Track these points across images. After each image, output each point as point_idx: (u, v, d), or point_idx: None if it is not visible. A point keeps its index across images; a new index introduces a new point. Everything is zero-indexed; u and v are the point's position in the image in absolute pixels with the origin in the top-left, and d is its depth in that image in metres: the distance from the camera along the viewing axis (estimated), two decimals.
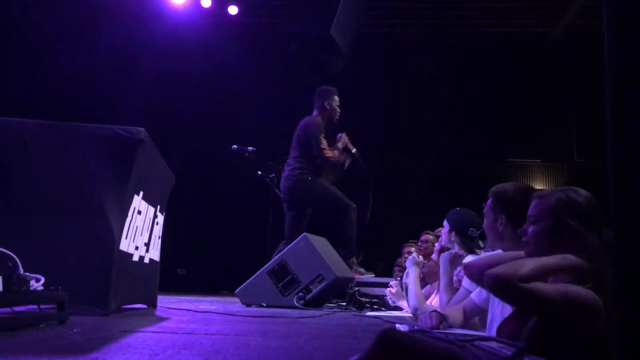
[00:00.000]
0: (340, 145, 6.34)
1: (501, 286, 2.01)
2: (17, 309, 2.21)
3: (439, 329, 2.67)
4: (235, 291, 5.16)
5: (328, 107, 6.32)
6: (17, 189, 2.93)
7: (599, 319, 1.94)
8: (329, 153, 6.12)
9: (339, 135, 6.43)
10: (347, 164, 6.48)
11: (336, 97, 6.39)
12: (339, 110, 6.40)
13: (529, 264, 2.04)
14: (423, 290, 4.21)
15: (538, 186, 10.31)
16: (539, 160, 11.38)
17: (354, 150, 6.46)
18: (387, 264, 7.29)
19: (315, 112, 6.45)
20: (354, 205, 6.23)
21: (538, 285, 2.00)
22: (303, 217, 6.28)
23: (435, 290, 4.26)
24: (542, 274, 2.06)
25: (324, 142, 6.11)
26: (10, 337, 1.83)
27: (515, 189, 2.84)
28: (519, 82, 10.44)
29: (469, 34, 10.45)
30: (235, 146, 7.13)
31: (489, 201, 2.91)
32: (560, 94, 10.68)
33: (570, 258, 2.10)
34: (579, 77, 10.29)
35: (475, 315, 3.11)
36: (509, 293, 2.02)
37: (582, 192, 2.25)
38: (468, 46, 10.39)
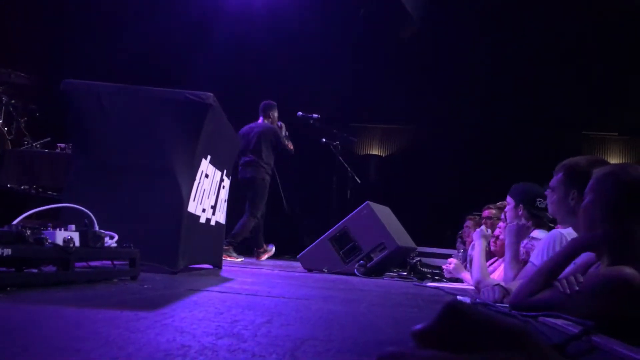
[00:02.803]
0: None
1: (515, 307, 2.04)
2: (92, 263, 2.33)
3: (502, 303, 2.62)
4: (298, 256, 5.24)
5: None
6: (95, 150, 3.07)
7: None
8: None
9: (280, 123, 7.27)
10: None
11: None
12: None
13: (535, 275, 2.06)
14: (494, 265, 4.14)
15: (614, 161, 9.83)
16: (616, 134, 10.82)
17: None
18: (453, 233, 7.19)
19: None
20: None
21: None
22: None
23: (498, 261, 4.18)
24: (552, 272, 2.06)
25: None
26: (87, 289, 1.94)
27: (589, 162, 2.70)
28: (597, 51, 9.87)
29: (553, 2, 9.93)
30: (300, 113, 7.17)
31: (560, 175, 2.78)
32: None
33: (579, 239, 2.06)
34: None
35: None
36: (522, 308, 2.05)
37: None
38: (548, 13, 9.88)
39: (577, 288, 1.96)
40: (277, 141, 7.00)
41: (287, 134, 7.26)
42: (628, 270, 1.84)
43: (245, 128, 7.02)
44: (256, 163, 6.88)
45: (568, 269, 2.59)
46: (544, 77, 10.05)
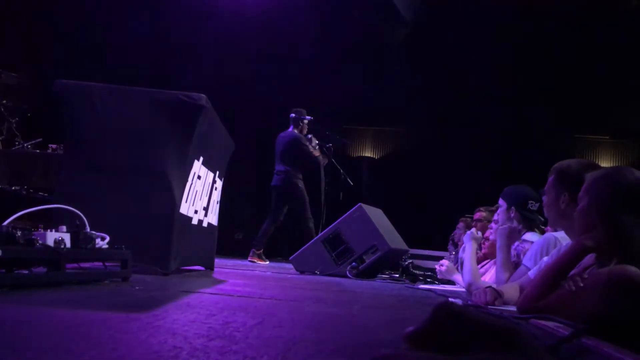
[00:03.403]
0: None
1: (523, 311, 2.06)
2: (83, 265, 2.32)
3: (493, 305, 2.63)
4: (290, 258, 5.24)
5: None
6: (87, 150, 3.05)
7: None
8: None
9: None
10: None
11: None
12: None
13: (540, 279, 2.07)
14: (485, 267, 4.14)
15: (605, 164, 9.89)
16: (608, 137, 10.89)
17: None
18: (442, 237, 7.22)
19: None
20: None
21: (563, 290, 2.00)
22: None
23: (489, 264, 4.19)
24: (558, 275, 2.07)
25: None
26: (78, 291, 1.93)
27: (580, 165, 2.71)
28: (591, 55, 9.93)
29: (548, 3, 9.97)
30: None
31: (551, 178, 2.80)
32: (634, 69, 10.11)
33: (582, 241, 2.07)
34: None
35: None
36: (530, 311, 2.05)
37: (637, 173, 2.09)
38: (541, 15, 9.93)
39: (581, 284, 1.97)
40: (299, 151, 7.03)
41: (317, 143, 7.25)
42: (632, 269, 1.86)
43: (279, 136, 7.24)
44: (285, 171, 7.04)
45: None
46: (535, 80, 10.11)
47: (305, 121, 7.19)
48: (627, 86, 10.09)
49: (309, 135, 7.24)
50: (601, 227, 2.07)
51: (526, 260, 3.07)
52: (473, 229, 3.93)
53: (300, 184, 7.06)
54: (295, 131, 7.14)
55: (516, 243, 3.34)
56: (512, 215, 3.59)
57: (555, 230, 3.06)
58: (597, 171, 2.22)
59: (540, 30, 9.81)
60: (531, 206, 3.52)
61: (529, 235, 3.44)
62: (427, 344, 0.42)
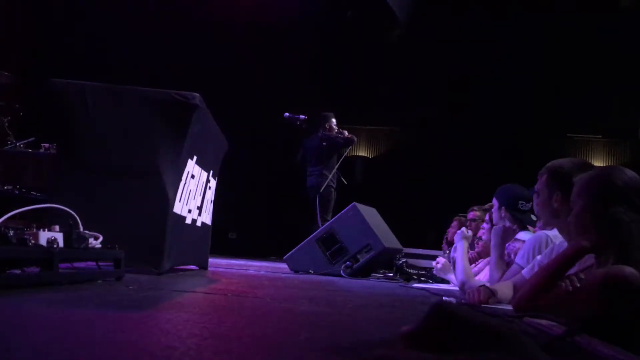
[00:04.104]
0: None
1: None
2: (76, 264, 2.31)
3: (487, 304, 2.63)
4: (284, 257, 5.23)
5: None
6: (80, 149, 3.03)
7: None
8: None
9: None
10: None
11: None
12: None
13: (536, 278, 2.08)
14: (479, 266, 4.16)
15: (597, 163, 9.94)
16: (600, 136, 10.94)
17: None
18: (435, 236, 7.23)
19: None
20: None
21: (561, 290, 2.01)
22: None
23: (482, 263, 4.21)
24: (555, 275, 2.08)
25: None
26: (71, 290, 1.92)
27: (573, 165, 2.72)
28: (582, 55, 9.98)
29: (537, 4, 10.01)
30: (287, 114, 7.17)
31: (544, 177, 2.81)
32: (627, 68, 10.16)
33: (576, 244, 2.08)
34: None
35: None
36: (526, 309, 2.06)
37: (628, 172, 2.11)
38: (532, 15, 9.97)
39: (578, 285, 1.98)
40: (330, 144, 7.11)
41: (337, 129, 7.35)
42: (628, 269, 1.87)
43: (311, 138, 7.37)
44: (318, 172, 7.13)
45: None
46: (528, 81, 10.15)
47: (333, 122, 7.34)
48: (619, 85, 10.14)
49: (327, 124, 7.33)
50: (596, 229, 2.08)
51: (519, 259, 3.09)
52: (463, 228, 3.94)
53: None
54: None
55: (509, 243, 3.35)
56: (503, 215, 3.61)
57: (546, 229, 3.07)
58: (587, 173, 2.23)
59: (532, 28, 9.84)
60: (521, 206, 3.54)
61: (522, 235, 3.45)
62: (422, 344, 0.42)
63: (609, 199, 2.07)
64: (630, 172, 2.12)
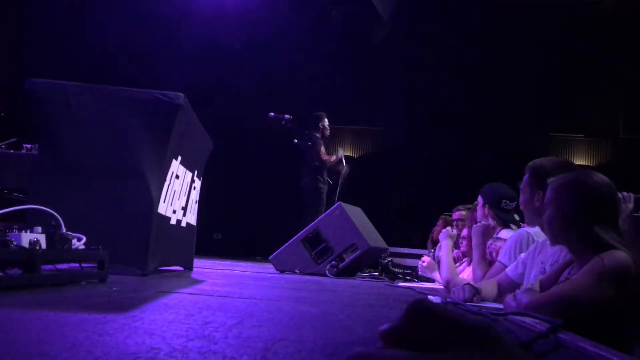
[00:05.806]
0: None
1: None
2: (59, 266, 2.28)
3: (471, 302, 2.65)
4: (269, 257, 5.23)
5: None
6: (62, 150, 3.00)
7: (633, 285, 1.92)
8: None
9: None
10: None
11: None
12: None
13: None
14: (463, 265, 4.19)
15: (579, 162, 10.06)
16: (582, 135, 11.06)
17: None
18: (420, 236, 7.27)
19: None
20: None
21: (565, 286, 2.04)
22: None
23: (466, 262, 4.24)
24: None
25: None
26: (54, 292, 1.90)
27: (554, 164, 2.75)
28: (564, 54, 10.09)
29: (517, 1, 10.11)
30: (272, 114, 7.16)
31: (526, 176, 2.84)
32: (609, 68, 10.29)
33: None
34: (630, 50, 9.88)
35: (510, 290, 3.08)
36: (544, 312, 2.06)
37: (597, 177, 2.12)
38: (515, 14, 10.07)
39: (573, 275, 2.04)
40: (309, 154, 7.22)
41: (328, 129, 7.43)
42: (620, 254, 1.91)
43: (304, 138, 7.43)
44: (308, 173, 7.25)
45: (537, 273, 2.65)
46: (510, 79, 10.23)
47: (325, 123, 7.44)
48: (600, 84, 10.27)
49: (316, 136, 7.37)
50: (568, 235, 2.14)
51: (501, 257, 3.12)
52: (448, 227, 3.98)
53: None
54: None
55: (490, 241, 3.39)
56: (487, 213, 3.65)
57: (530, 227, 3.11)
58: (558, 178, 2.25)
59: (515, 29, 9.93)
60: (505, 205, 3.58)
61: (504, 233, 3.49)
62: (402, 342, 0.42)
63: (577, 206, 2.12)
64: (600, 179, 2.14)
